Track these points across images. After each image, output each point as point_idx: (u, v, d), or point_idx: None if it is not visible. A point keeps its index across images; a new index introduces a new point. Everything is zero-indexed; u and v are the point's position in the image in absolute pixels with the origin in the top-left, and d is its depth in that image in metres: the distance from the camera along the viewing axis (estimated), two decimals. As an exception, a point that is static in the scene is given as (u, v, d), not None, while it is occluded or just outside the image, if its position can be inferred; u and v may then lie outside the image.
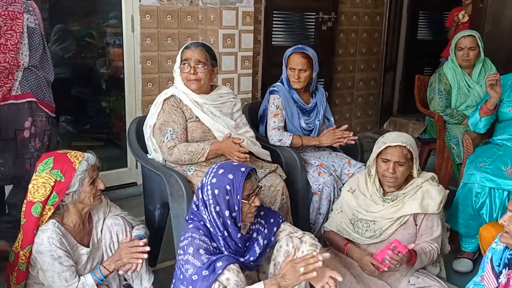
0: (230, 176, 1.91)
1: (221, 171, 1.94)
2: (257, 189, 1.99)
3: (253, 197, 1.95)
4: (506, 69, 3.43)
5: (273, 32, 4.26)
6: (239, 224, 1.95)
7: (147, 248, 2.09)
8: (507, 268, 1.71)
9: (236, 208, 1.91)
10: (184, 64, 2.47)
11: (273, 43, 4.27)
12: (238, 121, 2.64)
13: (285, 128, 2.91)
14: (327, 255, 1.85)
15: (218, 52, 3.63)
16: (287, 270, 1.81)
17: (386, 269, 2.16)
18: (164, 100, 2.47)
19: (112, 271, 2.09)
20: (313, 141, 2.88)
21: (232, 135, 2.47)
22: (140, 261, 2.08)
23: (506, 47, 3.98)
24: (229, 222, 1.91)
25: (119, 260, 2.08)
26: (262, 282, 1.84)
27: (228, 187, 1.90)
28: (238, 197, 1.90)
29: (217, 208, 1.91)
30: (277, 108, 2.89)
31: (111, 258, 2.12)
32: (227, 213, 1.90)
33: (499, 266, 1.73)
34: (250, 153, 2.70)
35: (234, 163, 2.01)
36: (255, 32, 3.89)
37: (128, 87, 3.62)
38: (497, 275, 1.73)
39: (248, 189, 1.94)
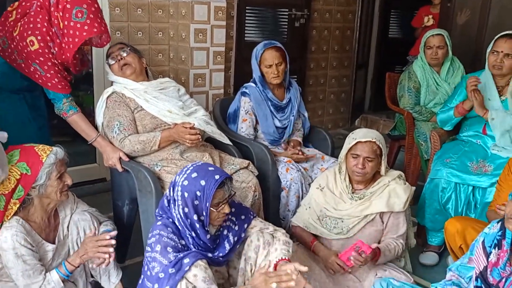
0: (202, 183, 1.86)
1: (194, 174, 1.89)
2: (229, 197, 1.94)
3: (222, 205, 1.92)
4: (473, 67, 3.51)
5: (246, 28, 4.25)
6: (206, 228, 1.93)
7: (113, 242, 2.05)
8: (496, 248, 1.80)
9: (204, 214, 1.89)
10: (110, 58, 2.62)
11: (245, 38, 4.26)
12: (188, 102, 2.70)
13: (257, 129, 2.92)
14: (304, 268, 1.82)
15: (189, 47, 3.60)
16: (259, 282, 1.79)
17: (350, 270, 2.24)
18: (107, 98, 2.54)
19: (78, 266, 2.04)
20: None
21: (182, 118, 2.52)
22: (107, 255, 2.03)
23: (474, 46, 4.07)
24: (197, 225, 1.90)
25: (85, 254, 2.03)
26: None
27: (198, 193, 1.86)
28: (207, 204, 1.86)
29: (186, 210, 1.89)
30: (246, 113, 2.88)
31: (76, 252, 2.07)
32: (195, 216, 1.88)
33: (490, 247, 1.83)
34: (217, 147, 2.70)
35: (209, 168, 1.93)
36: (227, 28, 3.86)
37: (97, 82, 3.55)
38: (488, 255, 1.82)
39: (219, 197, 1.89)
